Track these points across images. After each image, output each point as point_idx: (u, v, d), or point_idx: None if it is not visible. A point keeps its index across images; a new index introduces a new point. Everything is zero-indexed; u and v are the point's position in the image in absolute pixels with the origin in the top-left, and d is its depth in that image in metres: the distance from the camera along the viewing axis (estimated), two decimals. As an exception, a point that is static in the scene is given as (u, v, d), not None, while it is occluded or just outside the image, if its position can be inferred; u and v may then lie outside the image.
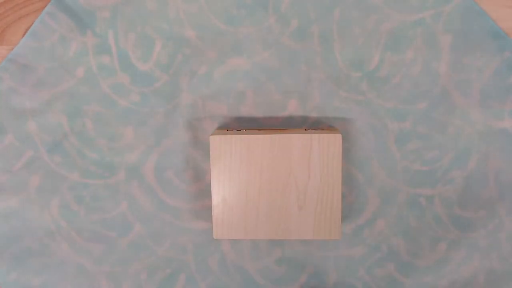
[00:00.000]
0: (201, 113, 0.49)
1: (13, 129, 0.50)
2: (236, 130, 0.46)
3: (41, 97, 0.49)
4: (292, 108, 0.49)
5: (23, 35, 0.49)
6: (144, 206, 0.50)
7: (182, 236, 0.50)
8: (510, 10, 0.47)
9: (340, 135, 0.42)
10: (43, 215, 0.50)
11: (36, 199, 0.50)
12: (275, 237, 0.44)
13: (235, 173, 0.43)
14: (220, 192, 0.44)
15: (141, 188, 0.50)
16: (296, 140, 0.42)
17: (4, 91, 0.49)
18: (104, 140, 0.50)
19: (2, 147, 0.50)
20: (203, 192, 0.50)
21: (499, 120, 0.47)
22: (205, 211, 0.50)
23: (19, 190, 0.50)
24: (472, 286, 0.49)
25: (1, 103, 0.50)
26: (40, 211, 0.50)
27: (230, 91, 0.49)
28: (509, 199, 0.48)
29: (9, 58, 0.49)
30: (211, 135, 0.43)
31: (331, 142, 0.42)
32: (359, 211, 0.49)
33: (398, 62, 0.47)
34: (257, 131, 0.45)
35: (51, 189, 0.50)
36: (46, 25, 0.49)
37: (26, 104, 0.49)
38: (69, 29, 0.48)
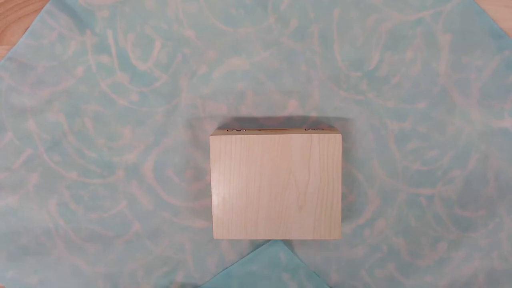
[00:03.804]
0: (201, 113, 0.49)
1: (13, 128, 0.50)
2: (236, 130, 0.46)
3: (41, 96, 0.49)
4: (292, 108, 0.48)
5: (23, 35, 0.49)
6: (144, 205, 0.50)
7: (181, 235, 0.50)
8: (510, 10, 0.47)
9: (340, 135, 0.42)
10: (41, 214, 0.50)
11: (35, 198, 0.50)
12: (275, 237, 0.44)
13: (235, 173, 0.43)
14: (220, 192, 0.44)
15: (141, 187, 0.50)
16: (296, 140, 0.42)
17: (4, 90, 0.49)
18: (103, 139, 0.50)
19: (2, 145, 0.50)
20: (203, 191, 0.50)
21: (499, 119, 0.47)
22: (204, 211, 0.50)
23: (18, 188, 0.50)
24: (473, 285, 0.49)
25: (1, 101, 0.49)
26: (39, 209, 0.50)
27: (229, 91, 0.49)
28: (509, 198, 0.48)
29: (8, 57, 0.49)
30: (211, 135, 0.43)
31: (331, 142, 0.42)
32: (359, 211, 0.49)
33: (397, 61, 0.47)
34: (257, 131, 0.45)
35: (49, 187, 0.50)
36: (45, 24, 0.48)
37: (26, 102, 0.49)
38: (68, 28, 0.48)
